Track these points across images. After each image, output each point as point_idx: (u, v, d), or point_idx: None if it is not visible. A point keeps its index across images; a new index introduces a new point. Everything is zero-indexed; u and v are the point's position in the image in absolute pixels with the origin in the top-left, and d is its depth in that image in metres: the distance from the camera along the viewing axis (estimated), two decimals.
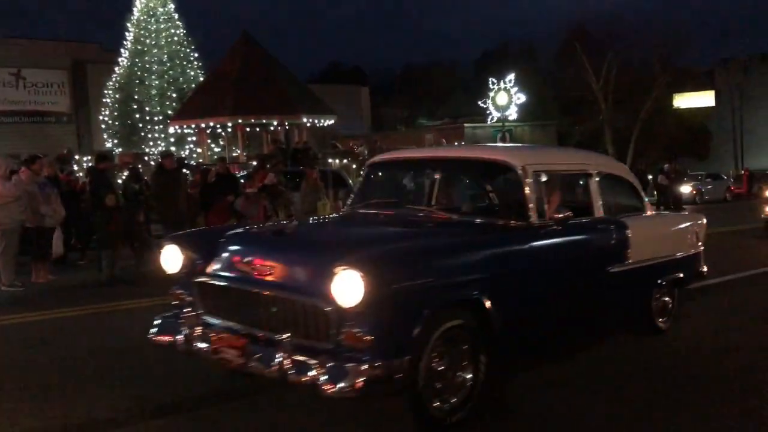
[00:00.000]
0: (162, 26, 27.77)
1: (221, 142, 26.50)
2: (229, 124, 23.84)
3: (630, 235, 5.28)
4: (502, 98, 28.13)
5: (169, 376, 4.94)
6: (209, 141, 26.11)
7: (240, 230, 4.83)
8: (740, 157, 43.80)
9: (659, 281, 5.81)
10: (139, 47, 27.60)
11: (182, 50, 28.20)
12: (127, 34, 27.93)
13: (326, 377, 3.51)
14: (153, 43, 27.59)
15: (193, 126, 24.62)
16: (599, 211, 5.27)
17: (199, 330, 4.09)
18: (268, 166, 14.32)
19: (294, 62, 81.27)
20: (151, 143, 26.76)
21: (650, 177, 25.60)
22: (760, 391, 4.57)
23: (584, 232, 5.13)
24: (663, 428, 3.99)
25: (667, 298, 6.02)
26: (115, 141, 27.61)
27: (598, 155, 6.74)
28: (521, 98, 28.46)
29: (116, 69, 28.03)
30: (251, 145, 26.20)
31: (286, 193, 13.99)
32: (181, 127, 24.90)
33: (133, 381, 4.91)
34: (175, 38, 28.01)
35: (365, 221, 5.23)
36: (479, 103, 30.20)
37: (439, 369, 3.90)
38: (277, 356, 3.65)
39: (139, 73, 27.46)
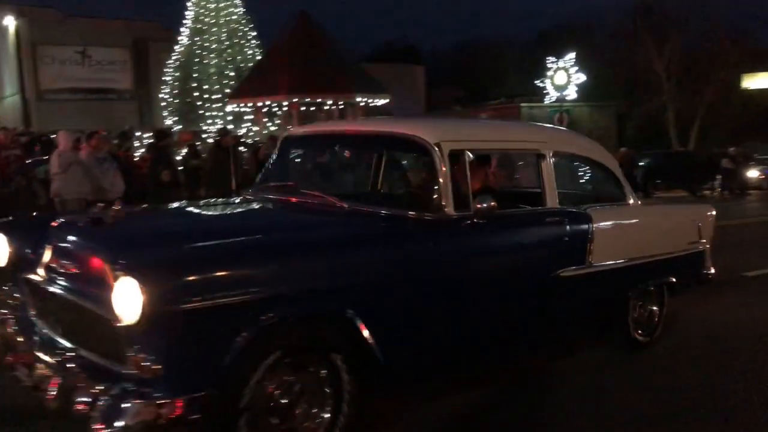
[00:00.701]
0: (221, 5, 28.10)
1: (277, 121, 26.79)
2: (285, 103, 24.05)
3: (594, 231, 4.37)
4: (560, 78, 27.51)
5: None
6: (265, 120, 26.41)
7: (65, 217, 3.93)
8: None
9: (640, 286, 4.94)
10: (198, 26, 28.02)
11: (240, 29, 28.50)
12: (186, 12, 28.37)
13: (99, 413, 2.76)
14: (212, 21, 27.96)
15: (249, 104, 24.94)
16: (552, 201, 4.30)
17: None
18: None
19: (350, 41, 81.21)
20: (209, 121, 27.23)
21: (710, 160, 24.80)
22: None
23: (521, 228, 4.22)
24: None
25: (654, 307, 5.20)
26: (175, 118, 28.20)
27: (559, 131, 5.64)
28: (580, 78, 27.77)
29: (176, 47, 28.55)
30: (306, 124, 26.32)
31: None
32: (238, 106, 25.25)
33: None
34: (234, 17, 28.32)
35: (227, 210, 4.47)
36: (537, 82, 29.61)
37: (278, 406, 3.11)
38: (56, 377, 3.00)
39: (198, 51, 27.90)
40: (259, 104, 24.53)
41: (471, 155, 3.91)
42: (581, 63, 28.48)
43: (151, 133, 20.50)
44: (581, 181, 5.41)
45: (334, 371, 3.23)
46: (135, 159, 13.56)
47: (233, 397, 2.91)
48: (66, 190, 9.53)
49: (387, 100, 25.69)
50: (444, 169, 3.71)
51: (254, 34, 28.90)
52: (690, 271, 5.40)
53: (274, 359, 3.04)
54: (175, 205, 5.01)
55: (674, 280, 5.17)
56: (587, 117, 31.13)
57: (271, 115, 26.77)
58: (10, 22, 27.65)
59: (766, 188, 25.87)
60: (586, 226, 4.38)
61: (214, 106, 27.54)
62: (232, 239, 3.28)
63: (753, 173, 25.22)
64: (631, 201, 5.05)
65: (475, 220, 3.75)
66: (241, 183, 11.18)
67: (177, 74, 28.24)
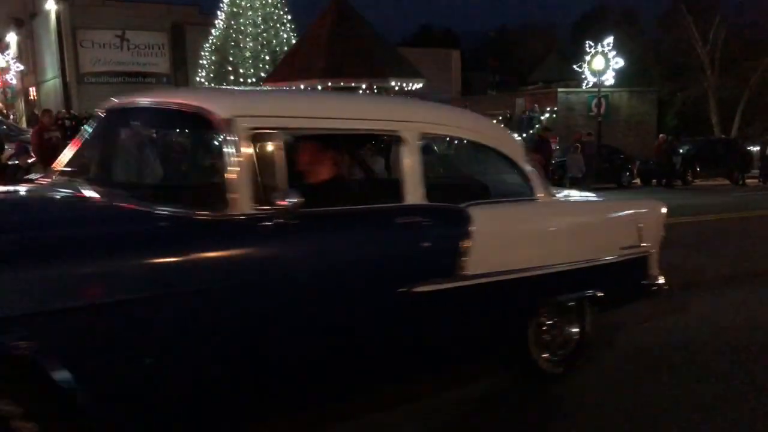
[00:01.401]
0: None
1: None
2: (319, 87, 24.08)
3: (472, 234, 3.43)
4: (598, 62, 26.98)
5: None
6: None
7: None
8: None
9: (546, 302, 3.97)
10: (234, 9, 28.20)
11: (276, 12, 28.61)
12: None
13: None
14: (248, 5, 28.11)
15: (284, 88, 25.05)
16: (414, 195, 3.33)
17: None
18: None
19: (386, 25, 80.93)
20: None
21: (757, 148, 24.19)
22: None
23: (353, 230, 3.17)
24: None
25: (573, 328, 4.18)
26: None
27: (436, 107, 4.14)
28: (619, 63, 27.23)
29: (213, 31, 28.79)
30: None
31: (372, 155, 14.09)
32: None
33: None
34: (269, 0, 28.42)
35: None
36: (574, 67, 29.15)
37: None
38: None
39: (234, 35, 28.10)
40: (294, 88, 24.61)
41: (282, 137, 2.92)
42: (620, 48, 27.93)
43: None
44: (476, 171, 4.35)
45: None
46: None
47: None
48: None
49: (422, 84, 25.56)
50: (236, 152, 2.81)
51: (289, 17, 28.99)
52: (625, 282, 4.39)
53: None
54: None
55: (600, 293, 4.10)
56: (626, 103, 30.54)
57: None
58: (52, 6, 28.15)
59: None
60: (459, 229, 3.42)
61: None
62: None
63: None
64: (540, 196, 3.98)
65: (278, 221, 2.80)
66: None
67: (213, 58, 28.50)
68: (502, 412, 3.78)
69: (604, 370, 4.36)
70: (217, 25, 28.74)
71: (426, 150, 3.57)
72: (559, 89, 29.59)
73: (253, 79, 27.54)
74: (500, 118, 26.88)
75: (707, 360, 4.54)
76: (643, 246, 4.36)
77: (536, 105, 28.09)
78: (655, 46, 39.58)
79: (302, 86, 24.32)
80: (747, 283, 6.91)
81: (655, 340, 4.97)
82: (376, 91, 24.84)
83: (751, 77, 34.96)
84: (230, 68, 27.94)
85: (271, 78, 25.18)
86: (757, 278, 7.16)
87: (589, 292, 4.10)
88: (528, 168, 4.01)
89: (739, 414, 3.71)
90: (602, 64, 26.74)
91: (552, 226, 3.99)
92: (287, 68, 24.43)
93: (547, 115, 27.70)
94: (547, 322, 4.04)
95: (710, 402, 3.85)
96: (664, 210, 4.63)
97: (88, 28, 31.82)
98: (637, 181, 22.67)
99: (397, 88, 24.71)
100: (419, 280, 3.25)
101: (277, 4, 28.67)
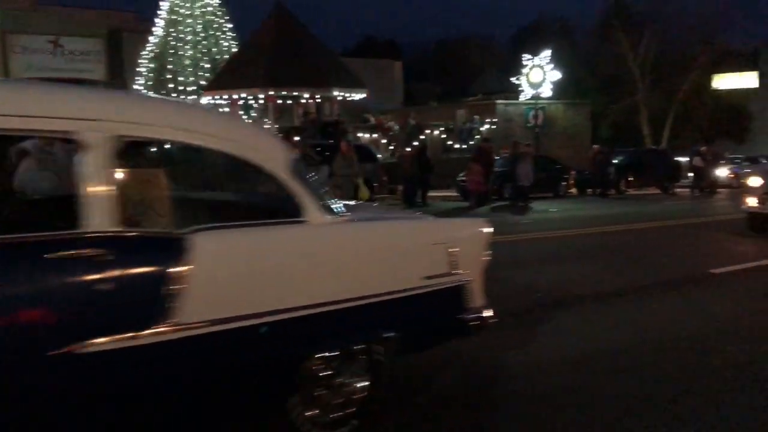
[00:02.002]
0: None
1: (253, 114, 26.67)
2: (261, 96, 23.96)
3: (191, 269, 2.68)
4: (536, 75, 27.73)
5: None
6: (241, 112, 26.28)
7: None
8: None
9: (313, 349, 3.14)
10: (173, 17, 27.81)
11: (216, 20, 28.35)
12: (162, 3, 28.14)
13: None
14: (188, 13, 27.77)
15: (225, 97, 24.80)
16: (100, 219, 2.56)
17: None
18: (296, 139, 14.42)
19: (328, 35, 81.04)
20: None
21: (686, 159, 25.23)
22: None
23: None
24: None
25: (360, 380, 3.33)
26: None
27: (143, 100, 3.60)
28: (556, 75, 28.02)
29: (151, 38, 28.29)
30: (283, 118, 26.36)
31: (317, 165, 14.13)
32: (213, 98, 25.09)
33: None
34: (210, 8, 28.17)
35: None
36: (513, 79, 29.83)
37: None
38: None
39: (173, 42, 27.70)
40: (235, 97, 24.40)
41: None
42: (557, 61, 28.74)
43: None
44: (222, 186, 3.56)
45: None
46: None
47: None
48: None
49: (364, 95, 25.70)
50: None
51: (230, 26, 28.77)
52: (433, 318, 3.67)
53: None
54: None
55: (396, 334, 3.37)
56: (562, 114, 31.41)
57: (247, 108, 26.67)
58: None
59: (736, 187, 26.37)
60: (167, 264, 2.65)
61: (189, 98, 27.33)
62: None
63: (723, 172, 25.71)
64: (313, 216, 3.14)
65: None
66: None
67: (152, 65, 28.01)
68: None
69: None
70: (155, 33, 28.27)
71: (157, 158, 2.97)
72: (498, 101, 30.20)
73: (193, 87, 27.19)
74: (443, 128, 27.26)
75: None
76: (458, 274, 3.63)
77: (476, 116, 28.59)
78: (589, 59, 40.88)
79: (243, 95, 24.16)
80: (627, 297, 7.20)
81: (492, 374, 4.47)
82: (319, 100, 24.85)
83: (679, 90, 36.49)
84: (169, 76, 27.51)
85: (212, 87, 24.91)
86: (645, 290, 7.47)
87: (381, 334, 3.34)
88: (297, 182, 3.12)
89: None
90: (539, 76, 27.47)
91: (321, 255, 3.18)
92: (228, 77, 24.21)
93: (486, 126, 28.24)
94: (323, 374, 3.20)
95: None
96: (486, 231, 3.94)
97: (20, 33, 30.78)
98: (574, 190, 23.33)
99: (340, 98, 24.79)
100: (92, 336, 2.48)
101: (217, 12, 28.42)
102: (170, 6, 27.92)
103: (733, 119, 40.23)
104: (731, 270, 8.09)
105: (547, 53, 28.22)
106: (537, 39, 37.74)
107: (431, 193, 19.21)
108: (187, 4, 27.79)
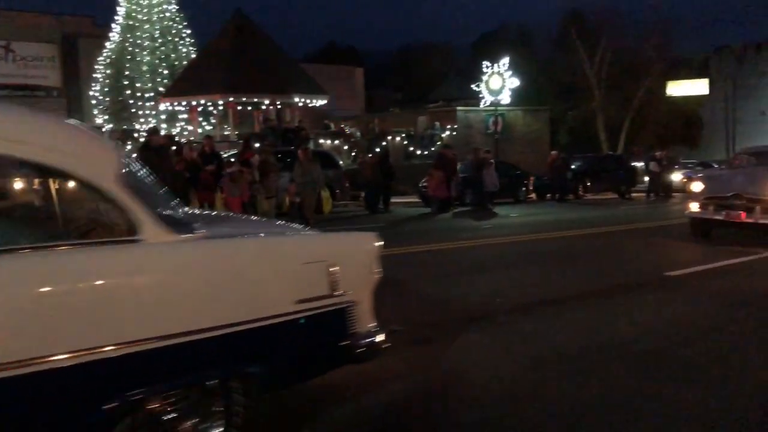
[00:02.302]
0: (154, 1, 27.54)
1: (212, 120, 26.40)
2: (220, 102, 23.75)
3: None
4: (495, 82, 28.07)
5: None
6: (200, 119, 26.00)
7: None
8: (732, 146, 43.95)
9: (145, 390, 2.61)
10: (130, 22, 27.39)
11: (174, 26, 28.01)
12: (118, 8, 27.69)
13: None
14: (145, 18, 27.38)
15: (183, 103, 24.51)
16: None
17: None
18: (257, 145, 14.31)
19: (289, 42, 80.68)
20: (141, 120, 26.62)
21: (641, 164, 25.79)
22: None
23: None
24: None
25: (213, 424, 2.89)
26: (106, 117, 27.45)
27: None
28: (515, 82, 28.41)
29: (107, 44, 27.80)
30: (243, 124, 26.15)
31: (277, 172, 14.06)
32: (172, 104, 24.78)
33: None
34: (167, 14, 27.81)
35: None
36: (473, 86, 30.15)
37: None
38: None
39: (130, 48, 27.27)
40: (194, 103, 24.13)
41: None
42: (515, 68, 29.15)
43: None
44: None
45: None
46: None
47: None
48: None
49: (325, 101, 25.67)
50: None
51: (189, 31, 28.45)
52: (308, 347, 3.23)
53: None
54: None
55: (259, 369, 2.96)
56: (521, 121, 31.84)
57: (206, 115, 26.39)
58: None
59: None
60: None
61: (147, 104, 26.93)
62: None
63: (676, 177, 26.34)
64: (153, 234, 2.67)
65: None
66: (171, 183, 10.96)
67: (108, 71, 27.53)
68: None
69: None
70: (112, 38, 27.79)
71: None
72: (459, 108, 30.46)
73: (151, 93, 26.80)
74: (404, 134, 27.37)
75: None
76: (339, 296, 3.21)
77: (437, 123, 28.79)
78: (547, 66, 41.60)
79: (202, 101, 23.91)
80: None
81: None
82: (279, 106, 24.73)
83: (634, 97, 37.35)
84: (126, 82, 27.05)
85: (170, 93, 24.59)
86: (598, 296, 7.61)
87: (241, 368, 2.92)
88: (129, 194, 2.62)
89: None
90: (499, 83, 27.80)
91: (156, 279, 2.68)
92: (186, 83, 23.93)
93: (447, 132, 28.46)
94: (166, 417, 2.72)
95: None
96: (375, 245, 3.55)
97: None
98: (533, 196, 23.64)
99: (301, 104, 24.71)
100: None
101: (175, 18, 28.08)
102: (127, 11, 27.49)
103: (686, 125, 41.38)
104: (686, 273, 8.27)
105: (505, 60, 28.59)
106: (497, 46, 38.25)
107: (394, 200, 19.25)
108: (145, 10, 27.41)
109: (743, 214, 10.16)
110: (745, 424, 3.71)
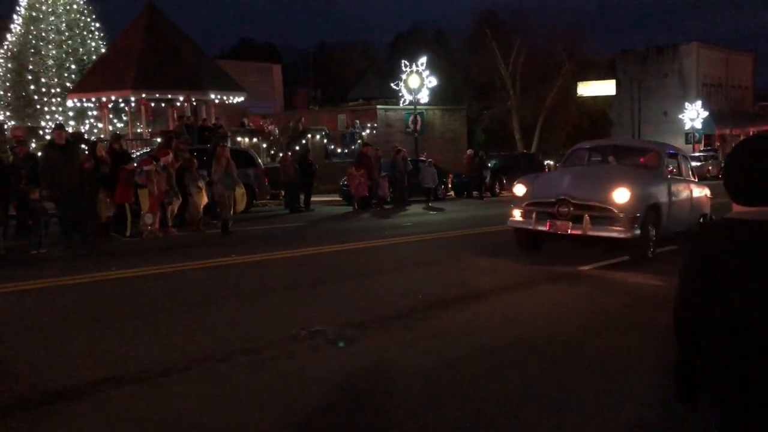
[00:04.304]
0: None
1: (124, 117, 25.43)
2: (132, 99, 22.88)
3: None
4: (414, 81, 28.30)
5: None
6: (111, 116, 24.98)
7: None
8: None
9: None
10: (33, 14, 25.96)
11: (82, 19, 26.75)
12: None
13: None
14: (49, 10, 26.02)
15: (93, 100, 23.47)
16: None
17: None
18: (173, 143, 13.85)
19: (204, 37, 78.78)
20: (48, 117, 25.31)
21: (551, 162, 26.67)
22: None
23: None
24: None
25: None
26: (8, 113, 25.96)
27: None
28: (433, 82, 28.77)
29: (8, 36, 26.27)
30: (157, 122, 25.30)
31: (196, 170, 13.67)
32: (80, 101, 23.67)
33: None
34: (75, 6, 26.53)
35: None
36: (392, 85, 30.34)
37: None
38: None
39: (34, 41, 25.85)
40: (104, 99, 23.15)
41: None
42: (433, 68, 29.52)
43: None
44: None
45: None
46: None
47: None
48: None
49: (243, 98, 25.19)
50: None
51: (98, 25, 27.23)
52: None
53: None
54: None
55: None
56: (439, 120, 32.29)
57: (117, 111, 25.39)
58: None
59: None
60: None
61: (53, 100, 25.64)
62: None
63: None
64: None
65: None
66: (79, 182, 10.47)
67: (9, 65, 26.00)
68: None
69: None
70: (13, 30, 26.27)
71: None
72: (378, 106, 30.57)
73: (58, 89, 25.52)
74: (323, 133, 27.22)
75: None
76: None
77: (357, 121, 28.79)
78: (464, 66, 42.37)
79: (113, 97, 22.98)
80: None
81: None
82: (195, 103, 24.08)
83: (546, 98, 38.58)
84: (30, 77, 25.64)
85: (79, 88, 23.51)
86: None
87: None
88: None
89: None
90: (417, 82, 28.07)
91: None
92: (96, 78, 22.93)
93: (368, 131, 28.50)
94: None
95: None
96: None
97: None
98: (452, 193, 24.02)
99: (217, 101, 24.14)
100: None
101: (83, 11, 26.82)
102: (29, 2, 26.04)
103: (595, 123, 43.08)
104: (597, 266, 8.59)
105: (423, 60, 28.91)
106: (414, 46, 38.63)
107: (315, 198, 19.12)
108: (49, 1, 26.05)
109: (569, 225, 8.57)
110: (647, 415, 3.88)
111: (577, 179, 9.16)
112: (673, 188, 9.47)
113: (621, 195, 8.44)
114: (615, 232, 8.40)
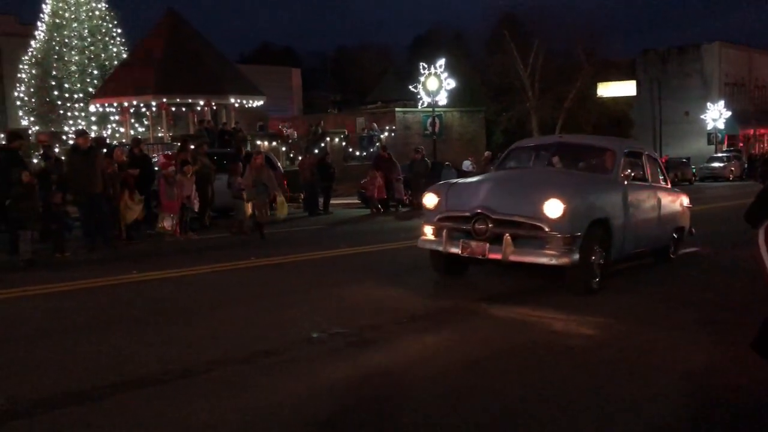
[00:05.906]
0: None
1: (146, 122, 25.73)
2: (153, 104, 23.17)
3: None
4: (432, 83, 28.28)
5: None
6: (133, 120, 25.29)
7: None
8: (659, 145, 45.66)
9: None
10: (57, 20, 26.38)
11: (104, 25, 27.13)
12: (44, 6, 26.64)
13: None
14: (73, 16, 26.42)
15: (115, 104, 23.78)
16: None
17: None
18: (191, 147, 14.02)
19: (224, 42, 79.43)
20: (71, 122, 25.70)
21: None
22: None
23: None
24: None
25: None
26: (32, 119, 26.39)
27: None
28: (451, 84, 28.75)
29: (33, 43, 26.71)
30: (177, 126, 25.56)
31: (212, 176, 13.81)
32: (102, 106, 24.01)
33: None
34: (97, 12, 26.92)
35: None
36: (411, 87, 30.37)
37: None
38: None
39: (57, 48, 26.26)
40: (126, 104, 23.44)
41: None
42: (452, 69, 29.48)
43: (1, 135, 19.12)
44: None
45: None
46: None
47: None
48: None
49: (262, 102, 25.38)
50: None
51: (119, 31, 27.60)
52: None
53: None
54: None
55: None
56: (458, 122, 32.26)
57: (139, 116, 25.69)
58: None
59: None
60: None
61: (76, 105, 26.01)
62: None
63: None
64: None
65: None
66: (101, 186, 10.61)
67: (34, 71, 26.43)
68: None
69: None
70: (38, 37, 26.70)
71: None
72: (397, 109, 30.64)
73: (81, 95, 25.90)
74: (342, 136, 27.33)
75: None
76: None
77: (375, 124, 28.86)
78: (482, 68, 42.27)
79: (134, 102, 23.27)
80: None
81: None
82: (215, 107, 24.31)
83: (565, 99, 38.38)
84: (54, 83, 26.04)
85: (101, 94, 23.84)
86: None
87: None
88: None
89: None
90: (436, 84, 28.04)
91: None
92: (117, 84, 23.25)
93: (386, 133, 28.55)
94: None
95: None
96: None
97: None
98: None
99: (237, 105, 24.35)
100: None
101: (105, 17, 27.19)
102: (53, 9, 26.46)
103: (615, 125, 42.76)
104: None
105: (441, 62, 28.90)
106: (432, 48, 38.61)
107: (334, 201, 19.18)
108: (72, 8, 26.43)
109: (485, 247, 6.57)
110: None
111: (500, 187, 7.19)
112: (632, 197, 7.50)
113: (553, 208, 6.37)
114: (545, 257, 6.41)
